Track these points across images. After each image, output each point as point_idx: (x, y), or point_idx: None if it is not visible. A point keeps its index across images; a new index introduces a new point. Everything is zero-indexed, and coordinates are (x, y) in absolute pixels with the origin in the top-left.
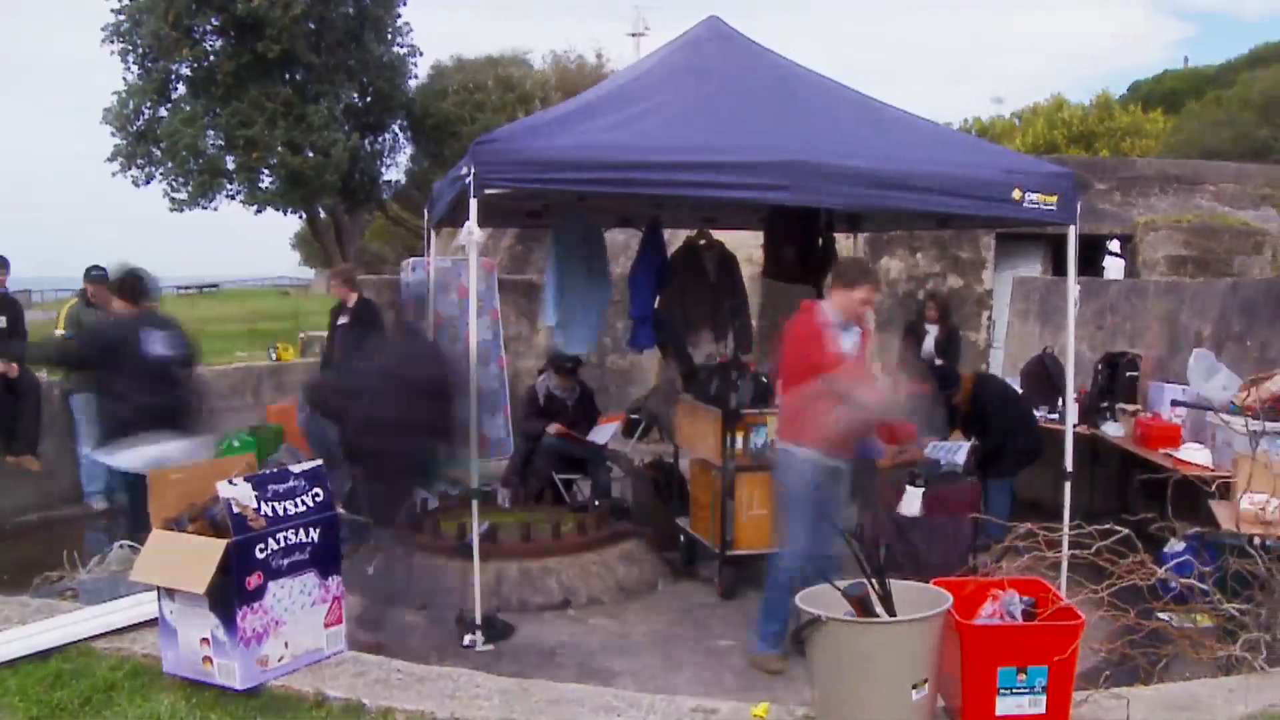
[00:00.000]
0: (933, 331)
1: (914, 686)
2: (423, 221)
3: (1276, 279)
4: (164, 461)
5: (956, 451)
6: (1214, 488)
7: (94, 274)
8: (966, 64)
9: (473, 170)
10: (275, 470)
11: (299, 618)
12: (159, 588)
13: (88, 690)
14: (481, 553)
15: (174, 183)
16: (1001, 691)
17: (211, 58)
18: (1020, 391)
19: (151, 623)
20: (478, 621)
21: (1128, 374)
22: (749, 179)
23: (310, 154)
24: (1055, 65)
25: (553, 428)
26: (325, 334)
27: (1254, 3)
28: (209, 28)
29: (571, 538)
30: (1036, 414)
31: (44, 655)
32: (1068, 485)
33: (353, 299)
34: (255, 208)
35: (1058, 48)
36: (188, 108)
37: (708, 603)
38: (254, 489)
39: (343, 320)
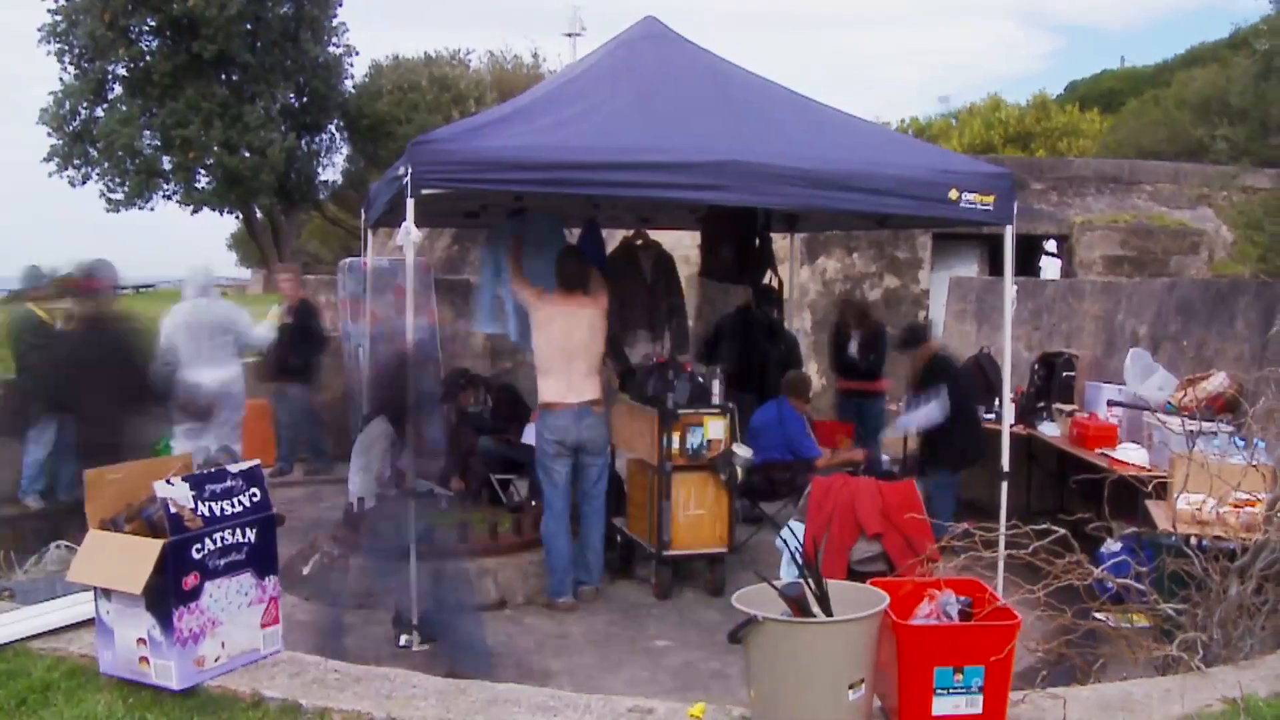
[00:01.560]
0: (856, 336)
1: (850, 686)
2: (359, 222)
3: (1213, 279)
4: None
5: (922, 403)
6: (1150, 488)
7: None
8: (849, 77)
9: (410, 170)
10: (212, 470)
11: (236, 618)
12: (96, 588)
13: (24, 690)
14: (418, 553)
15: (110, 183)
16: (938, 692)
17: (148, 58)
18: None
19: (88, 623)
20: (414, 622)
21: (1064, 374)
22: (685, 179)
23: (246, 154)
24: (935, 75)
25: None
26: None
27: (1114, 18)
28: (145, 28)
29: (508, 538)
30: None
31: None
32: (1004, 485)
33: (296, 299)
34: (191, 208)
35: (937, 59)
36: (124, 108)
37: (644, 603)
38: (191, 489)
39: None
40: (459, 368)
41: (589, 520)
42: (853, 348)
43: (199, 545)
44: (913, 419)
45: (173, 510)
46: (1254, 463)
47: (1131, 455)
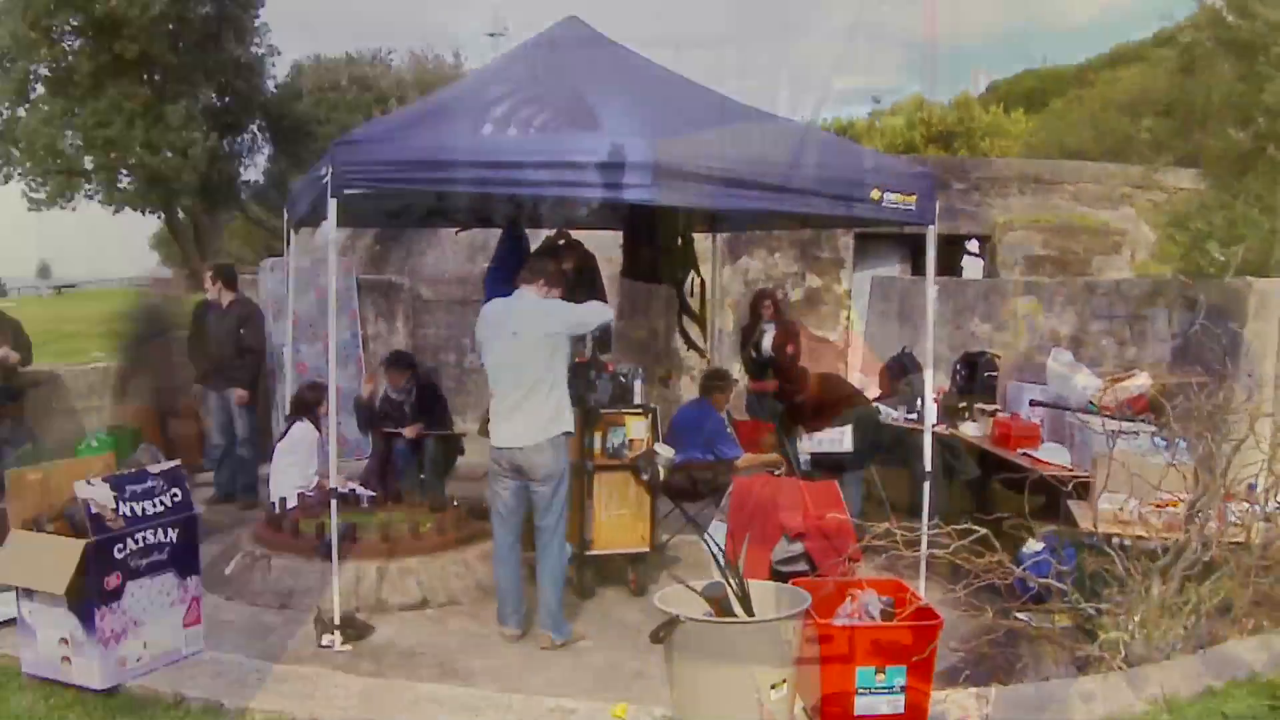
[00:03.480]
0: (770, 330)
1: (773, 686)
2: (282, 222)
3: (1135, 279)
4: None
5: (841, 440)
6: (1071, 487)
7: None
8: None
9: (331, 170)
10: (133, 471)
11: (158, 618)
12: (17, 588)
13: None
14: (340, 552)
15: (33, 183)
16: (860, 691)
17: (70, 58)
18: (860, 388)
19: (10, 623)
20: (336, 622)
21: (986, 374)
22: (607, 179)
23: (168, 154)
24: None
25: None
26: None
27: (958, 36)
28: (68, 28)
29: (430, 537)
30: (894, 414)
31: None
32: (926, 485)
33: (229, 298)
34: (114, 208)
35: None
36: (46, 108)
37: (566, 602)
38: (112, 489)
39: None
40: (398, 350)
41: (540, 561)
42: (766, 343)
43: (121, 545)
44: (824, 444)
45: (94, 510)
46: (1175, 463)
47: (1054, 455)
